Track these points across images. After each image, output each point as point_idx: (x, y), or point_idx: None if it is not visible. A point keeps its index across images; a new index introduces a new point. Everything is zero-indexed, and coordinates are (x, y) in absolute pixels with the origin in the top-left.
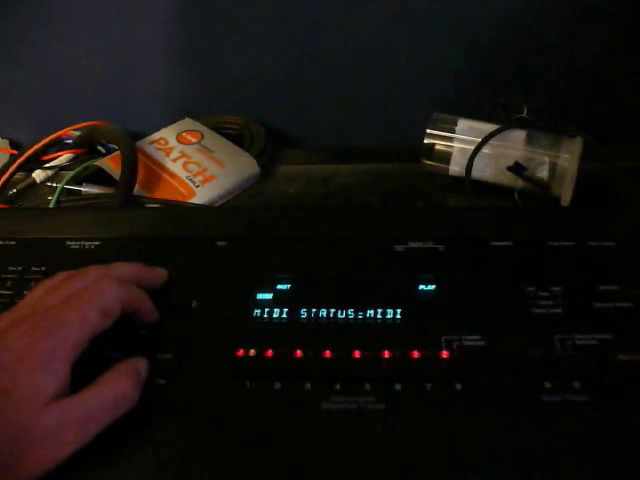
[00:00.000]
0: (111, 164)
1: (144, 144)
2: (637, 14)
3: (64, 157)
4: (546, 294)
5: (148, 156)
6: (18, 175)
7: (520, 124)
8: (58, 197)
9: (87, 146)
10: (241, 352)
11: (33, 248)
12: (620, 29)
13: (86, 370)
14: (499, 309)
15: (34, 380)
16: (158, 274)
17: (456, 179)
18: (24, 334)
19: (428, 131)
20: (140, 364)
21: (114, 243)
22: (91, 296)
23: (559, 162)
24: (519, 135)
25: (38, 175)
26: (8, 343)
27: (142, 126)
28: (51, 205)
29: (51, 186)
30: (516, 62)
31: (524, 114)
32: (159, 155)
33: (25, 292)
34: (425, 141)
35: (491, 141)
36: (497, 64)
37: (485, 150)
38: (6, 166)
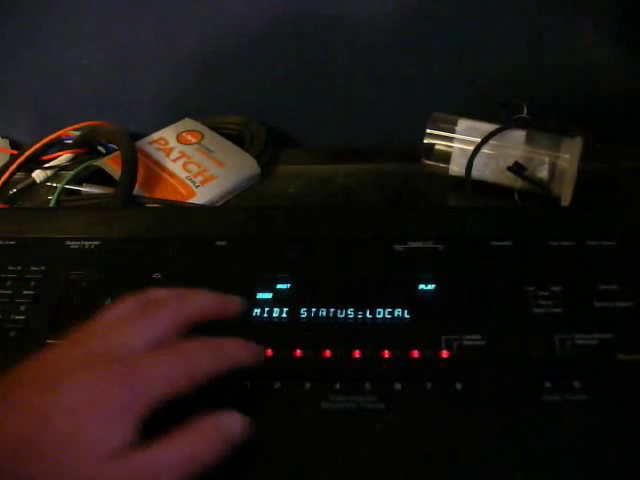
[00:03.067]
0: (111, 164)
1: (144, 144)
2: (637, 13)
3: (64, 157)
4: (546, 294)
5: (148, 156)
6: (18, 175)
7: (520, 124)
8: (58, 197)
9: (87, 146)
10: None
11: (33, 248)
12: (620, 29)
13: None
14: (499, 309)
15: (102, 430)
16: (236, 304)
17: (456, 179)
18: (99, 378)
19: (428, 131)
20: (229, 422)
21: (114, 243)
22: (180, 356)
23: (559, 162)
24: (519, 135)
25: (38, 175)
26: (80, 383)
27: (142, 126)
28: (51, 205)
29: (51, 186)
30: (516, 62)
31: (524, 114)
32: (159, 155)
33: (25, 292)
34: (425, 141)
35: (491, 141)
36: (497, 64)
37: (485, 150)
38: (6, 166)
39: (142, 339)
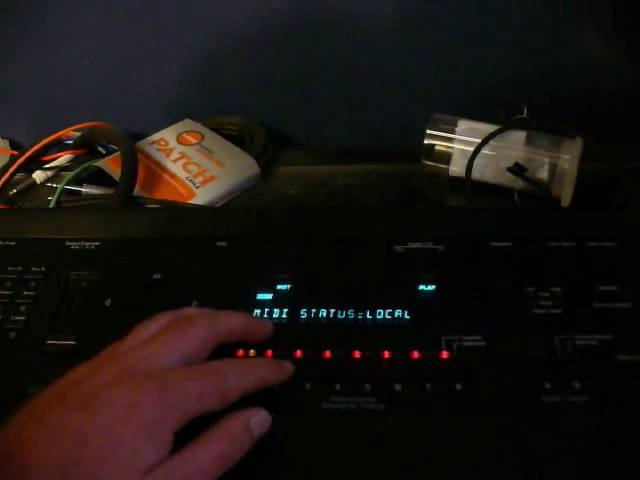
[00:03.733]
0: (111, 165)
1: (144, 145)
2: (636, 13)
3: (64, 158)
4: (546, 294)
5: (148, 157)
6: (18, 176)
7: (520, 125)
8: (58, 197)
9: (87, 147)
10: (241, 352)
11: (33, 248)
12: (620, 29)
13: None
14: (499, 309)
15: (136, 445)
16: (267, 327)
17: (456, 180)
18: (132, 393)
19: (428, 131)
20: (253, 419)
21: (114, 243)
22: (215, 375)
23: (559, 163)
24: (519, 136)
25: (38, 176)
26: (113, 399)
27: (142, 126)
28: (51, 205)
29: (51, 187)
30: (516, 62)
31: (524, 115)
32: (159, 156)
33: (25, 292)
34: (425, 141)
35: (491, 142)
36: (497, 64)
37: (485, 151)
38: (6, 167)
39: (173, 354)
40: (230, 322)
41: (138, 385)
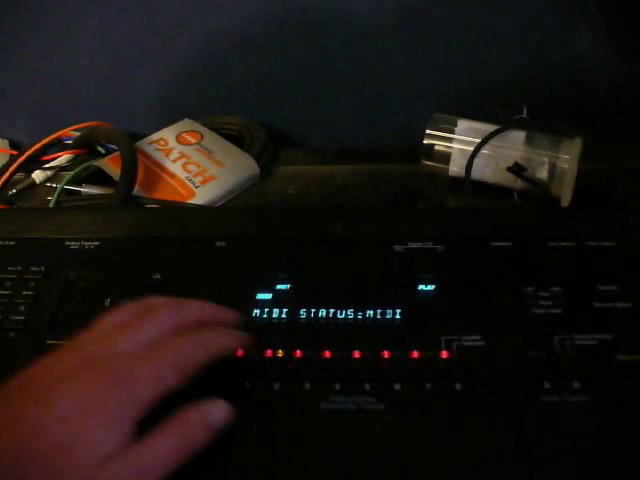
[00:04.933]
0: (111, 164)
1: (144, 144)
2: (635, 13)
3: (64, 157)
4: (546, 294)
5: (148, 156)
6: (18, 175)
7: (520, 124)
8: (58, 197)
9: (87, 146)
10: (241, 352)
11: (33, 248)
12: (619, 29)
13: None
14: (499, 309)
15: (93, 437)
16: (233, 315)
17: (456, 179)
18: (89, 384)
19: (428, 131)
20: (211, 410)
21: (114, 243)
22: (167, 353)
23: (559, 163)
24: (519, 136)
25: (38, 175)
26: (69, 391)
27: (142, 126)
28: (51, 205)
29: (51, 186)
30: (516, 62)
31: (524, 114)
32: (159, 156)
33: (25, 292)
34: (425, 141)
35: (491, 141)
36: (497, 64)
37: (485, 150)
38: (6, 166)
39: (132, 343)
40: (193, 312)
41: (94, 377)
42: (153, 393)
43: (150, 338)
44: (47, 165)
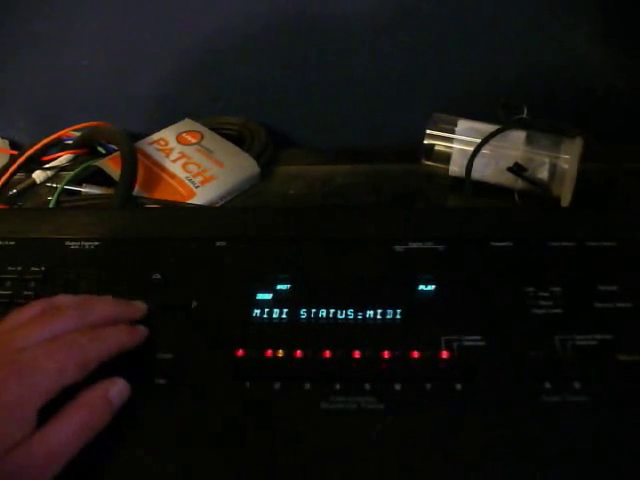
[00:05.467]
0: (111, 164)
1: (144, 144)
2: (635, 13)
3: (64, 157)
4: (546, 294)
5: (148, 157)
6: (18, 175)
7: (520, 124)
8: (58, 197)
9: (87, 146)
10: (241, 352)
11: (33, 248)
12: (619, 29)
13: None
14: (499, 309)
15: (1, 425)
16: (138, 309)
17: (456, 179)
18: None
19: (428, 131)
20: (111, 389)
21: (114, 243)
22: (71, 348)
23: (559, 163)
24: (519, 136)
25: (38, 176)
26: None
27: (142, 126)
28: (51, 205)
29: (51, 186)
30: (516, 62)
31: (524, 114)
32: (159, 156)
33: (25, 292)
34: (425, 141)
35: (491, 142)
36: (497, 64)
37: (485, 151)
38: (6, 166)
39: (37, 338)
40: (100, 308)
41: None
42: (55, 386)
43: (55, 335)
44: (47, 165)
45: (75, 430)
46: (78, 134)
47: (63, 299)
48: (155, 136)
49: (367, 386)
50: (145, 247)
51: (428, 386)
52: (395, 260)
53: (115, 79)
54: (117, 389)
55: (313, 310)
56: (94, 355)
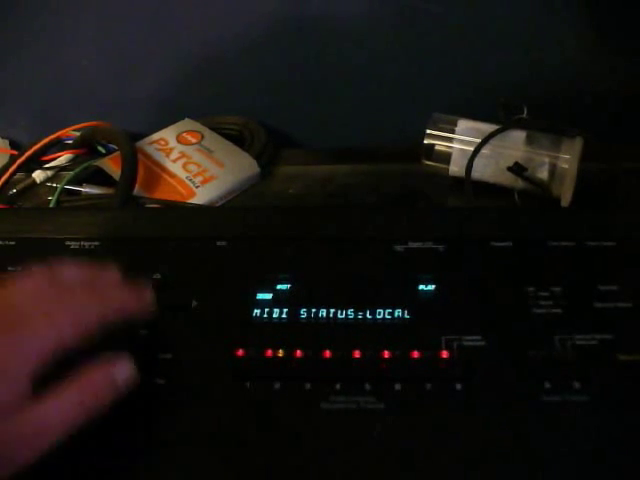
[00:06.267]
0: (111, 164)
1: (144, 144)
2: (636, 12)
3: (64, 157)
4: (546, 294)
5: (148, 156)
6: (18, 175)
7: (520, 124)
8: (58, 197)
9: (87, 146)
10: (241, 352)
11: (33, 248)
12: (620, 28)
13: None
14: (499, 309)
15: None
16: (147, 298)
17: (456, 179)
18: None
19: (428, 131)
20: (117, 369)
21: (114, 243)
22: (68, 306)
23: (559, 163)
24: (519, 136)
25: (38, 175)
26: None
27: (142, 126)
28: (51, 205)
29: (51, 186)
30: (516, 62)
31: (524, 114)
32: (159, 155)
33: None
34: (425, 141)
35: (491, 141)
36: (497, 64)
37: (485, 150)
38: (6, 166)
39: (30, 295)
40: (115, 300)
41: None
42: (49, 347)
43: (50, 292)
44: (47, 165)
45: (75, 407)
46: (78, 134)
47: (67, 271)
48: (155, 136)
49: (367, 386)
50: (145, 247)
51: (428, 386)
52: (395, 260)
53: (115, 79)
54: (122, 369)
55: (313, 310)
56: (95, 317)
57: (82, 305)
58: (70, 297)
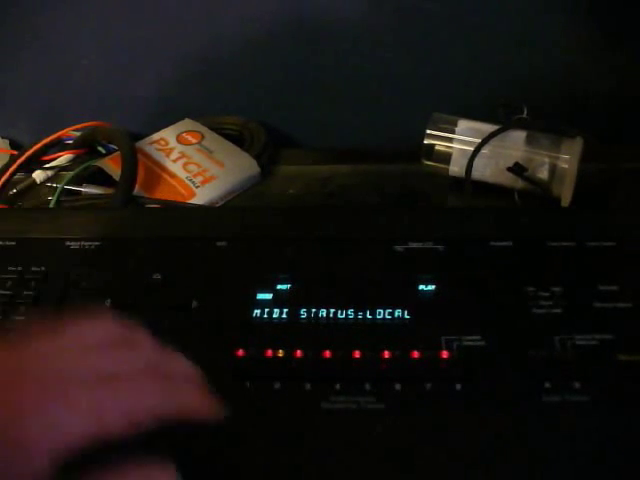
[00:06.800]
0: (111, 164)
1: (144, 144)
2: (636, 12)
3: (64, 157)
4: (546, 294)
5: (148, 156)
6: (18, 175)
7: (520, 124)
8: (58, 197)
9: (87, 146)
10: (241, 352)
11: (33, 248)
12: (619, 27)
13: None
14: (499, 309)
15: (5, 466)
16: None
17: (456, 179)
18: (10, 395)
19: (428, 131)
20: (155, 476)
21: (114, 243)
22: (124, 390)
23: (559, 163)
24: (519, 136)
25: (38, 175)
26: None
27: (142, 126)
28: (51, 205)
29: (51, 186)
30: (516, 62)
31: (524, 114)
32: (159, 156)
33: (25, 292)
34: (425, 141)
35: (491, 141)
36: (497, 64)
37: (485, 151)
38: (6, 166)
39: (88, 369)
40: (188, 402)
41: (20, 391)
42: (88, 432)
43: (106, 363)
44: (47, 165)
45: None
46: (78, 134)
47: (139, 348)
48: (155, 136)
49: (367, 386)
50: (145, 247)
51: (428, 386)
52: (395, 260)
53: (115, 79)
54: (160, 477)
55: (313, 310)
56: (153, 410)
57: (141, 393)
58: (129, 378)
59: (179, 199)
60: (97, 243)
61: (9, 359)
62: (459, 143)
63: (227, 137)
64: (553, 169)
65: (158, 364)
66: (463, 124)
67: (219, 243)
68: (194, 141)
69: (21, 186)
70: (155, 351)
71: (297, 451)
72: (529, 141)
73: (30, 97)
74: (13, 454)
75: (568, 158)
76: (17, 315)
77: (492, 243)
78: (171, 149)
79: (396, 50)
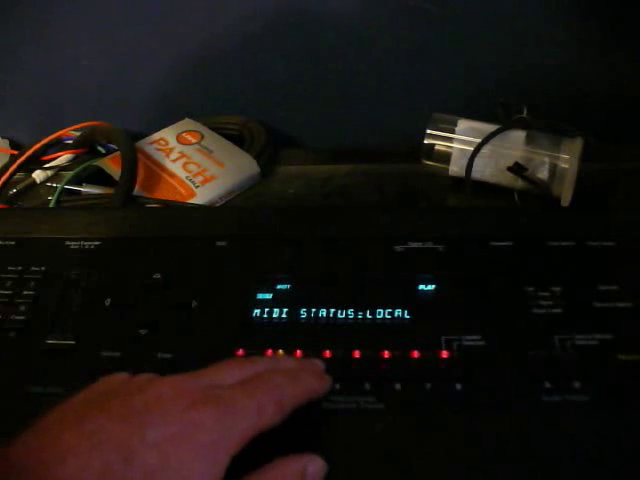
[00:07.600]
0: (111, 164)
1: (144, 144)
2: (636, 12)
3: (64, 157)
4: (546, 294)
5: (148, 156)
6: (18, 175)
7: (520, 124)
8: (58, 197)
9: (87, 146)
10: (241, 352)
11: (33, 248)
12: (618, 29)
13: None
14: (499, 309)
15: (188, 468)
16: (325, 384)
17: (456, 179)
18: (187, 408)
19: (428, 131)
20: (310, 466)
21: (114, 243)
22: (268, 387)
23: (559, 162)
24: (519, 135)
25: (38, 175)
26: (165, 416)
27: (142, 126)
28: (51, 205)
29: (51, 186)
30: (516, 62)
31: (524, 114)
32: (159, 155)
33: (25, 292)
34: (425, 141)
35: (491, 141)
36: (497, 64)
37: (485, 150)
38: (6, 166)
39: (232, 377)
40: (310, 384)
41: (194, 403)
42: (254, 428)
43: (248, 375)
44: (47, 165)
45: None
46: (78, 134)
47: (254, 358)
48: (155, 136)
49: (367, 386)
50: (145, 247)
51: (428, 386)
52: (395, 260)
53: (115, 79)
54: (315, 469)
55: (313, 310)
56: (290, 396)
57: (281, 387)
58: (270, 378)
59: (179, 199)
60: (97, 243)
61: None
62: (459, 143)
63: (227, 137)
64: (553, 169)
65: (274, 366)
66: (463, 124)
67: (219, 243)
68: (194, 141)
69: (21, 186)
70: (265, 359)
71: (297, 451)
72: (529, 141)
73: (30, 97)
74: (195, 458)
75: (568, 158)
76: (17, 315)
77: (492, 243)
78: (171, 149)
79: (396, 50)
